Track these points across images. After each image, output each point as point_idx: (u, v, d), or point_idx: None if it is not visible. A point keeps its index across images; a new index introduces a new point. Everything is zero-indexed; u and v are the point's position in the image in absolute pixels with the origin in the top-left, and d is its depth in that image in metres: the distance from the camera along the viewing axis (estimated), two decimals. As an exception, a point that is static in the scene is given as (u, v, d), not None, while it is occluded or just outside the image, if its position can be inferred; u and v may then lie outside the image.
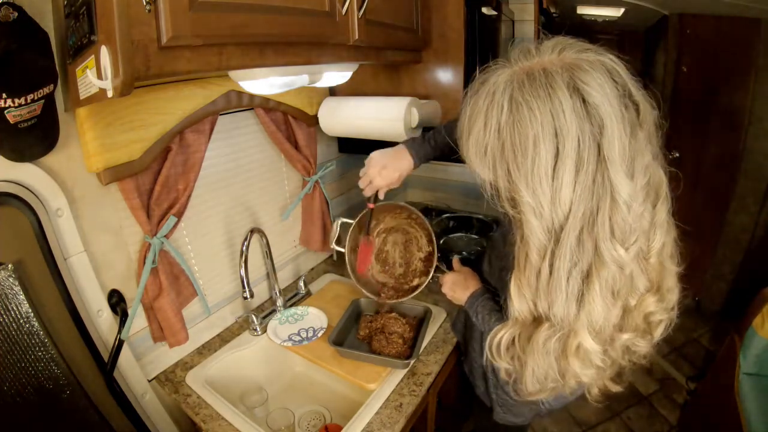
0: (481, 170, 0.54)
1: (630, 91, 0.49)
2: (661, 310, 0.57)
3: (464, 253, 1.50)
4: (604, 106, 0.46)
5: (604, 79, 0.47)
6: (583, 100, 0.46)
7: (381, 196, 1.04)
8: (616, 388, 0.65)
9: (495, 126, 0.50)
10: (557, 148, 0.46)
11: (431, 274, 1.17)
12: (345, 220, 1.24)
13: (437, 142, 0.98)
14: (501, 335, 0.62)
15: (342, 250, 1.26)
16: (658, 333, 0.60)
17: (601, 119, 0.46)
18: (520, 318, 0.59)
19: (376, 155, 1.00)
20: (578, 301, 0.52)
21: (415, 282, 1.25)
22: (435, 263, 1.16)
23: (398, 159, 0.96)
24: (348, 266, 1.25)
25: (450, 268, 1.06)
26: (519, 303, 0.57)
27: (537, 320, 0.58)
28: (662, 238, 0.54)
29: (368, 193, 1.00)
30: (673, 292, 0.59)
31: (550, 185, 0.48)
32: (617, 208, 0.48)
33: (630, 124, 0.47)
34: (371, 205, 1.08)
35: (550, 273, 0.52)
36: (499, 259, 0.87)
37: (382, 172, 0.96)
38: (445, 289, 1.00)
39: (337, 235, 1.24)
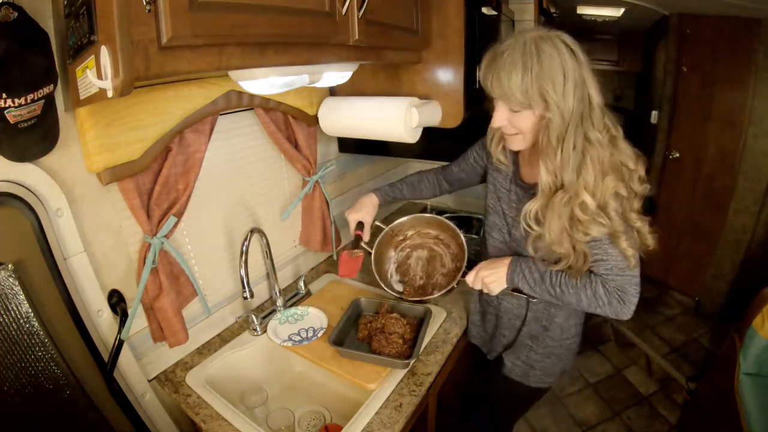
0: (521, 96, 0.80)
1: (580, 50, 0.80)
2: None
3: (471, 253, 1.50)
4: (579, 54, 0.78)
5: (572, 40, 0.80)
6: (571, 50, 0.78)
7: (366, 234, 1.23)
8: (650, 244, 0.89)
9: (531, 64, 0.77)
10: (564, 75, 0.77)
11: (457, 279, 1.19)
12: (380, 224, 1.32)
13: (395, 184, 1.32)
14: (532, 206, 0.88)
15: (370, 250, 1.32)
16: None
17: (580, 59, 0.78)
18: (546, 189, 0.85)
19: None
20: (578, 170, 0.81)
21: (436, 294, 1.26)
22: (459, 277, 1.18)
23: (363, 200, 1.28)
24: (373, 267, 1.30)
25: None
26: (546, 176, 0.84)
27: (554, 191, 0.85)
28: (619, 134, 0.85)
29: (350, 229, 1.25)
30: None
31: (563, 95, 0.78)
32: (593, 110, 0.80)
33: (590, 64, 0.80)
34: (358, 232, 1.23)
35: (562, 151, 0.80)
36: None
37: (351, 211, 1.25)
38: (478, 277, 1.03)
39: (369, 234, 1.27)
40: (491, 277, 1.01)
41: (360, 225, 1.23)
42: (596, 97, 0.80)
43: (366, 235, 1.23)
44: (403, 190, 1.30)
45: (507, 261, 1.00)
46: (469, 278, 1.06)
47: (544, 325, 1.08)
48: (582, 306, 0.92)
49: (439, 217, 1.35)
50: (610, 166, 0.81)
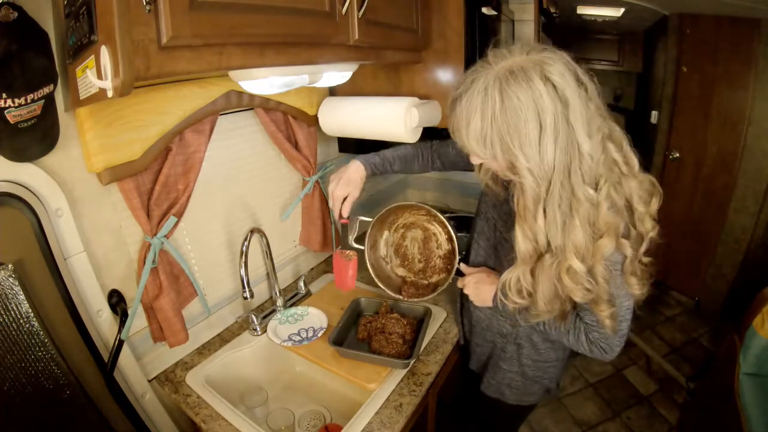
0: (482, 151, 0.68)
1: (579, 76, 0.65)
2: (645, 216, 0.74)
3: (464, 253, 1.50)
4: (568, 90, 0.62)
5: (564, 68, 0.64)
6: (554, 86, 0.62)
7: (345, 208, 1.09)
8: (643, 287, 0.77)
9: (491, 114, 0.64)
10: (540, 124, 0.62)
11: (452, 273, 1.17)
12: (363, 218, 1.23)
13: (385, 156, 1.14)
14: (510, 276, 0.78)
15: (362, 248, 1.27)
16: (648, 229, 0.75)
17: (566, 99, 0.62)
18: (525, 256, 0.74)
19: (332, 175, 1.12)
20: (564, 231, 0.69)
21: (435, 279, 1.25)
22: (456, 264, 1.15)
23: (346, 168, 1.10)
24: (368, 265, 1.27)
25: (459, 273, 1.07)
26: (524, 243, 0.73)
27: (539, 255, 0.74)
28: (627, 183, 0.70)
29: (334, 207, 1.09)
30: (647, 205, 0.74)
31: (538, 151, 0.64)
32: (584, 160, 0.65)
33: (585, 98, 0.65)
34: (344, 220, 1.11)
35: (545, 215, 0.69)
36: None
37: (338, 185, 1.08)
38: (468, 290, 1.00)
39: (356, 233, 1.22)
40: (478, 293, 0.97)
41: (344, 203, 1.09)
42: (586, 144, 0.63)
43: (346, 210, 1.09)
44: (394, 165, 1.15)
45: (497, 285, 0.92)
46: (460, 283, 1.02)
47: (518, 343, 1.00)
48: (566, 345, 0.90)
49: (417, 203, 1.28)
50: (607, 223, 0.68)
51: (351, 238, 1.23)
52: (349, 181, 1.08)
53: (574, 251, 0.69)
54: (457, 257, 1.16)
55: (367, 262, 1.28)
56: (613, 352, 0.82)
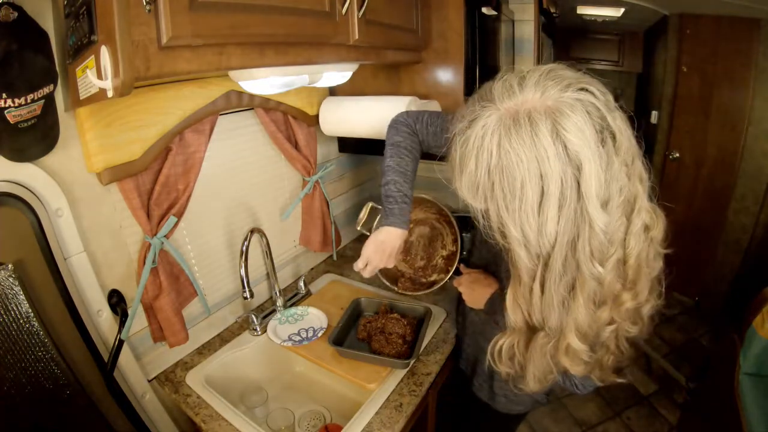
0: (474, 203, 0.59)
1: (607, 123, 0.52)
2: (642, 302, 0.63)
3: (464, 253, 1.50)
4: (583, 150, 0.50)
5: (584, 120, 0.51)
6: (565, 146, 0.50)
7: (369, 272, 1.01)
8: (618, 380, 0.70)
9: (485, 168, 0.54)
10: (542, 189, 0.51)
11: (450, 273, 1.16)
12: (376, 205, 1.18)
13: (411, 195, 0.98)
14: (501, 343, 0.69)
15: (368, 233, 1.24)
16: (645, 316, 0.65)
17: (580, 162, 0.50)
18: (517, 327, 0.66)
19: (369, 244, 0.98)
20: (566, 310, 0.58)
21: (434, 277, 1.24)
22: (456, 264, 1.14)
23: (388, 237, 0.96)
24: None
25: (457, 272, 1.05)
26: (514, 315, 0.64)
27: (531, 328, 0.65)
28: (638, 244, 0.58)
29: (367, 274, 0.98)
30: (650, 287, 0.64)
31: (537, 220, 0.53)
32: (595, 235, 0.53)
33: (607, 155, 0.52)
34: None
35: (542, 291, 0.58)
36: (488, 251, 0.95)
37: (383, 259, 0.96)
38: (462, 289, 0.98)
39: (364, 219, 1.19)
40: (472, 295, 0.94)
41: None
42: (600, 218, 0.51)
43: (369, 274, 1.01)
44: (411, 196, 1.01)
45: (492, 290, 0.91)
46: (456, 281, 1.00)
47: None
48: None
49: (432, 199, 1.23)
50: (610, 293, 0.58)
51: (360, 224, 1.18)
52: (392, 252, 0.97)
53: (575, 330, 0.59)
54: (458, 257, 1.16)
55: None
56: (589, 390, 0.79)
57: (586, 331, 0.60)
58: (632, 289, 0.60)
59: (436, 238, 1.30)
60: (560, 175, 0.50)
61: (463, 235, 1.24)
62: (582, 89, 0.53)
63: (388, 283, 1.23)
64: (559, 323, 0.60)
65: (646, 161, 0.60)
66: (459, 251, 1.17)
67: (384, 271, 1.25)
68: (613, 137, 0.53)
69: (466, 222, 1.78)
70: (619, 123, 0.54)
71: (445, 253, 1.29)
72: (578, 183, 0.51)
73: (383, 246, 0.96)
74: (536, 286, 0.58)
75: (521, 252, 0.56)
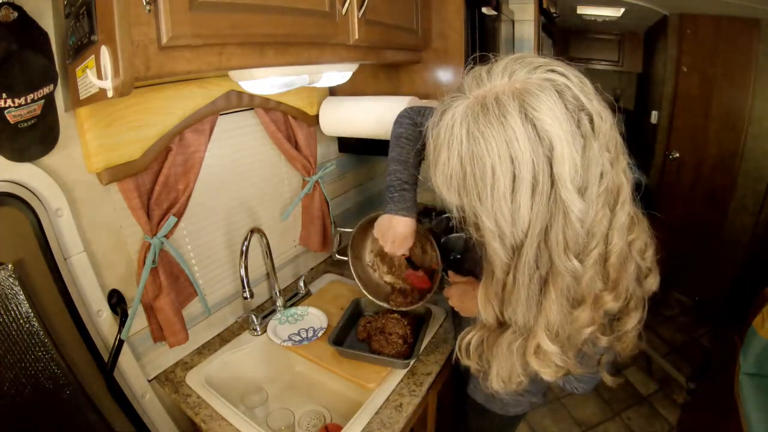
0: (449, 197, 0.56)
1: (582, 104, 0.50)
2: (622, 306, 0.60)
3: (458, 255, 1.48)
4: (554, 130, 0.47)
5: (554, 100, 0.48)
6: (534, 125, 0.48)
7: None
8: (614, 382, 0.68)
9: (457, 157, 0.52)
10: (514, 173, 0.49)
11: (436, 284, 1.13)
12: (343, 230, 1.20)
13: (407, 180, 0.95)
14: (470, 337, 0.67)
15: (345, 258, 1.22)
16: (629, 326, 0.62)
17: (551, 142, 0.48)
18: (487, 323, 0.64)
19: (375, 228, 0.98)
20: (537, 306, 0.56)
21: (426, 297, 1.20)
22: (440, 272, 1.11)
23: (390, 227, 0.95)
24: (354, 276, 1.21)
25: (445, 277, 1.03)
26: (485, 310, 0.62)
27: (502, 325, 0.63)
28: (621, 240, 0.55)
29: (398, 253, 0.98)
30: (637, 287, 0.61)
31: (509, 207, 0.50)
32: (570, 224, 0.50)
33: (583, 137, 0.49)
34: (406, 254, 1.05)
35: (513, 284, 0.56)
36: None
37: (394, 247, 0.96)
38: (452, 302, 0.95)
39: (337, 245, 1.20)
40: (463, 307, 0.92)
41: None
42: (575, 205, 0.49)
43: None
44: (414, 181, 1.00)
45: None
46: (446, 293, 0.97)
47: None
48: None
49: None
50: (588, 292, 0.55)
51: (335, 251, 1.18)
52: (395, 239, 0.95)
53: (545, 329, 0.56)
54: (440, 266, 1.12)
55: (353, 272, 1.21)
56: (586, 389, 0.78)
57: (558, 331, 0.56)
58: (614, 290, 0.57)
59: (414, 244, 1.25)
60: (531, 156, 0.48)
61: (455, 236, 1.21)
62: (552, 70, 0.51)
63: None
64: (529, 320, 0.57)
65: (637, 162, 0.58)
66: (439, 258, 1.13)
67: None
68: (591, 119, 0.50)
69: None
70: (597, 106, 0.51)
71: (427, 258, 1.25)
72: (551, 166, 0.48)
73: (387, 237, 0.95)
74: (509, 280, 0.56)
75: (496, 245, 0.54)
